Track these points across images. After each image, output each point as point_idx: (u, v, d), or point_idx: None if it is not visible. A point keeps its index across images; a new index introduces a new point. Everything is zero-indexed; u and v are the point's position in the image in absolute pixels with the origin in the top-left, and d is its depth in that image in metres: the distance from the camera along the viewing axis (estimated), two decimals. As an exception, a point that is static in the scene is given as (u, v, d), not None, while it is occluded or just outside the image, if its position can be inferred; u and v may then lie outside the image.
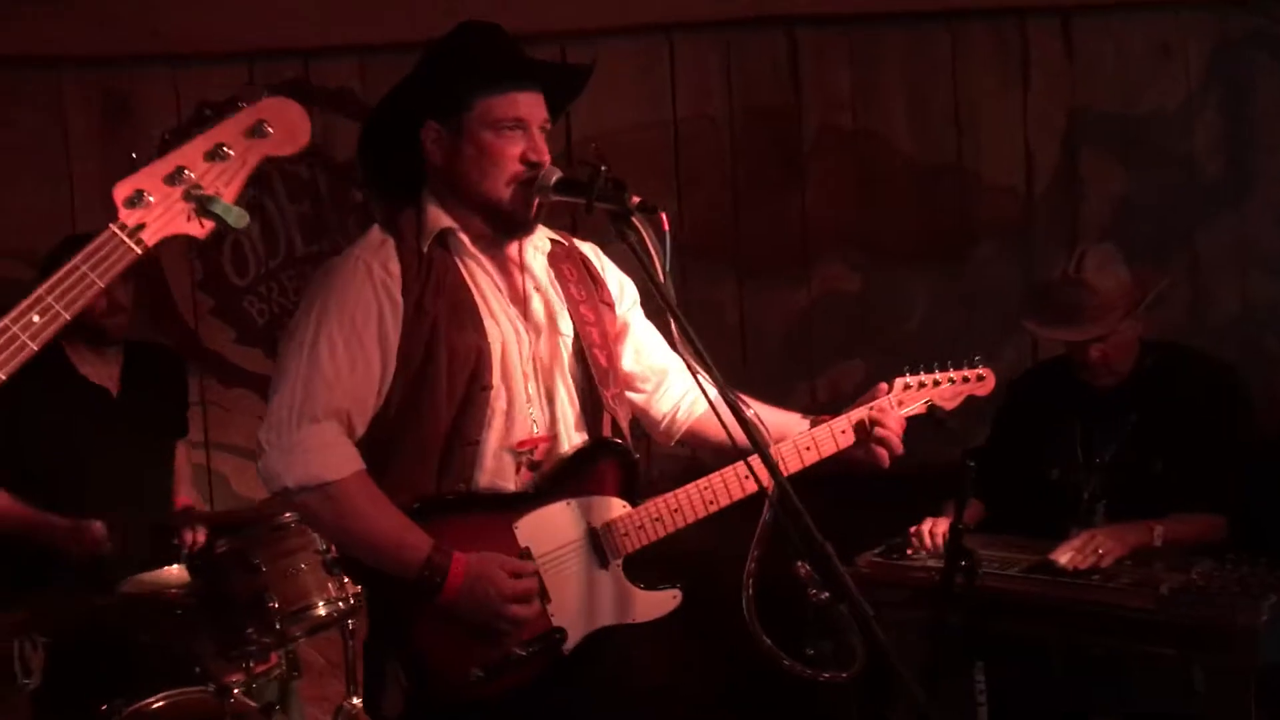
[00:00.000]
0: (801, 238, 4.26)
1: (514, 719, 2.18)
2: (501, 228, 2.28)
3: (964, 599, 2.55)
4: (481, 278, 2.28)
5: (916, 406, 2.47)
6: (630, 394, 2.50)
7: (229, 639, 3.05)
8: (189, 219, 1.55)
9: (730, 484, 2.30)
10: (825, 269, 4.28)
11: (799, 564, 1.88)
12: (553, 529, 2.25)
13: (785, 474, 2.24)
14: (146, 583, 3.33)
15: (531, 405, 2.26)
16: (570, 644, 2.22)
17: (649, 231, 2.08)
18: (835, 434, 2.39)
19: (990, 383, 2.60)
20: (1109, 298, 2.96)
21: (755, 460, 2.11)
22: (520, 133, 2.24)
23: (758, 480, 1.89)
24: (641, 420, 2.54)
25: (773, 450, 2.24)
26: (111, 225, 1.51)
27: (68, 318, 1.48)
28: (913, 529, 3.06)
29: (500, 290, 2.29)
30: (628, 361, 2.49)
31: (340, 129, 4.15)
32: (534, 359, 2.29)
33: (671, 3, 4.17)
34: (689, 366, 2.07)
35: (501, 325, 2.26)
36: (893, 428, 2.39)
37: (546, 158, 2.25)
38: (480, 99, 2.22)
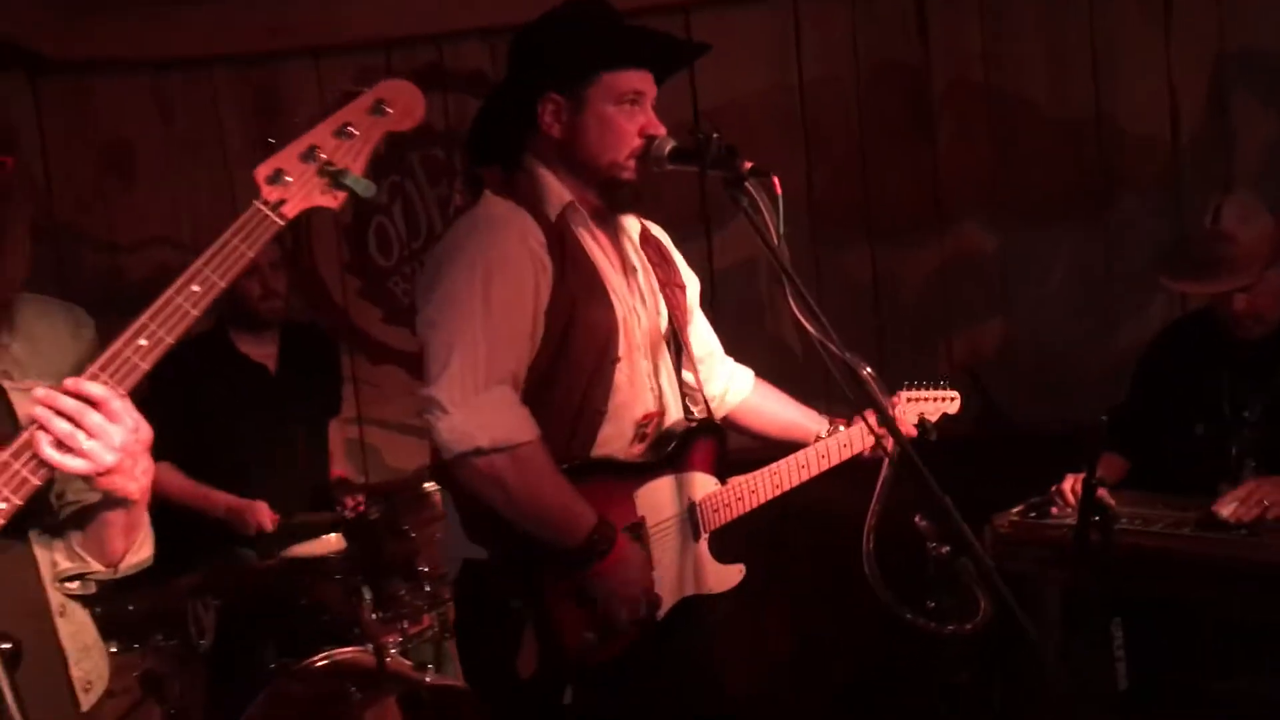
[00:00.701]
0: (934, 196, 4.18)
1: (609, 679, 2.28)
2: (616, 200, 2.35)
3: (1099, 554, 2.50)
4: (598, 251, 2.35)
5: (913, 417, 2.75)
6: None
7: (384, 601, 3.22)
8: (323, 192, 1.68)
9: (792, 471, 2.52)
10: (960, 227, 4.19)
11: (918, 518, 1.89)
12: (662, 501, 2.35)
13: (799, 481, 2.52)
14: (309, 548, 3.53)
15: (649, 378, 2.36)
16: (662, 611, 2.32)
17: (763, 196, 2.11)
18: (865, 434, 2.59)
19: (958, 404, 2.83)
20: (1250, 247, 2.85)
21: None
22: (638, 107, 2.30)
23: (895, 436, 1.95)
24: (699, 398, 2.61)
25: (799, 456, 2.53)
26: (256, 202, 1.65)
27: (223, 285, 1.62)
28: (1055, 487, 3.02)
29: (614, 265, 2.37)
30: (693, 343, 2.57)
31: (474, 111, 4.26)
32: (648, 333, 2.38)
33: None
34: (805, 329, 2.08)
35: (621, 299, 2.34)
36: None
37: (663, 131, 2.31)
38: (603, 72, 2.27)
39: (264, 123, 4.28)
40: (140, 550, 1.83)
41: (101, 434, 1.52)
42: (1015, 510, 3.07)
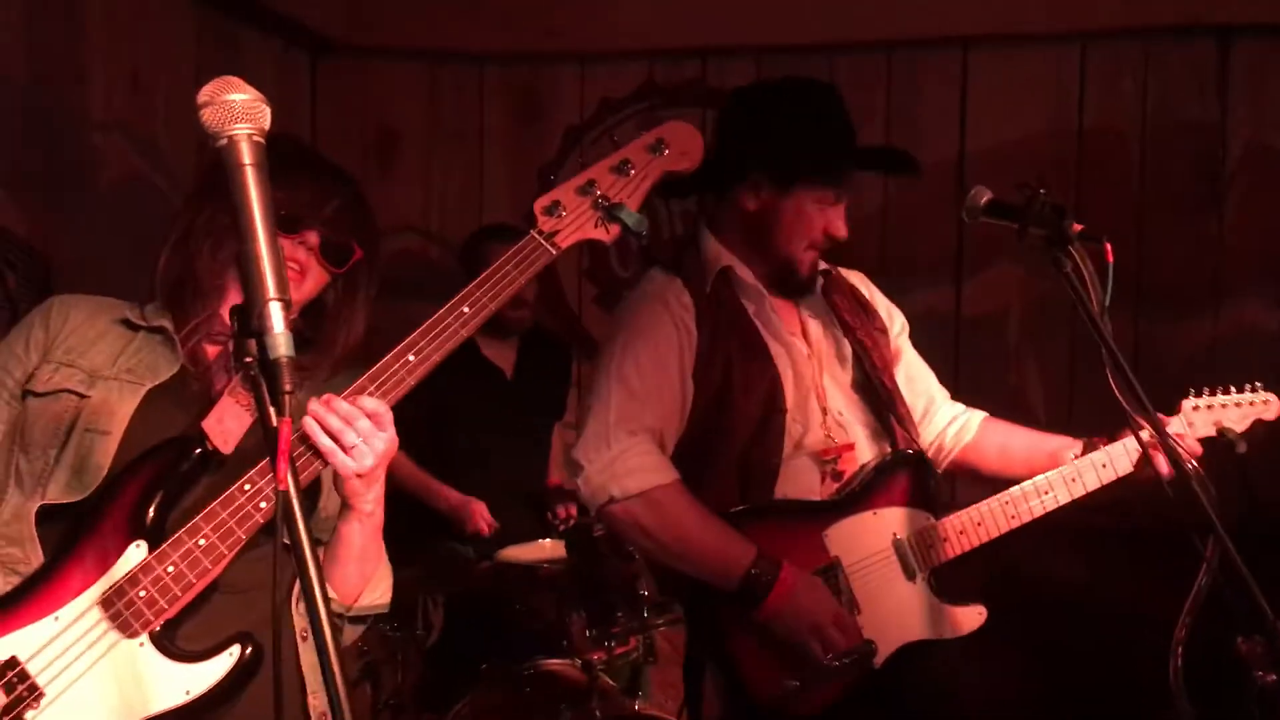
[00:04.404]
0: (1214, 266, 3.90)
1: None
2: (786, 287, 2.35)
3: None
4: (761, 312, 2.33)
5: (1207, 429, 2.38)
6: None
7: (599, 619, 3.16)
8: (596, 225, 1.74)
9: (1032, 497, 2.31)
10: (1239, 302, 3.90)
11: (1240, 639, 1.70)
12: (861, 538, 2.26)
13: (1045, 511, 2.31)
14: (522, 553, 3.52)
15: (827, 423, 2.30)
16: (881, 657, 2.21)
17: (1087, 263, 1.97)
18: (1129, 450, 2.31)
19: (1276, 406, 2.47)
20: None
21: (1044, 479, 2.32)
22: (833, 208, 2.30)
23: (1217, 538, 1.73)
24: None
25: (1042, 481, 2.31)
26: (532, 231, 1.71)
27: (492, 309, 1.67)
28: None
29: (780, 320, 2.34)
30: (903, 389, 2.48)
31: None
32: (820, 382, 2.33)
33: (1087, 7, 3.93)
34: (1124, 408, 1.92)
35: (790, 351, 2.32)
36: (1185, 451, 2.24)
37: (844, 234, 2.31)
38: (819, 177, 2.28)
39: (522, 123, 4.32)
40: (377, 592, 1.80)
41: (368, 438, 1.58)
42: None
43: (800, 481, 2.28)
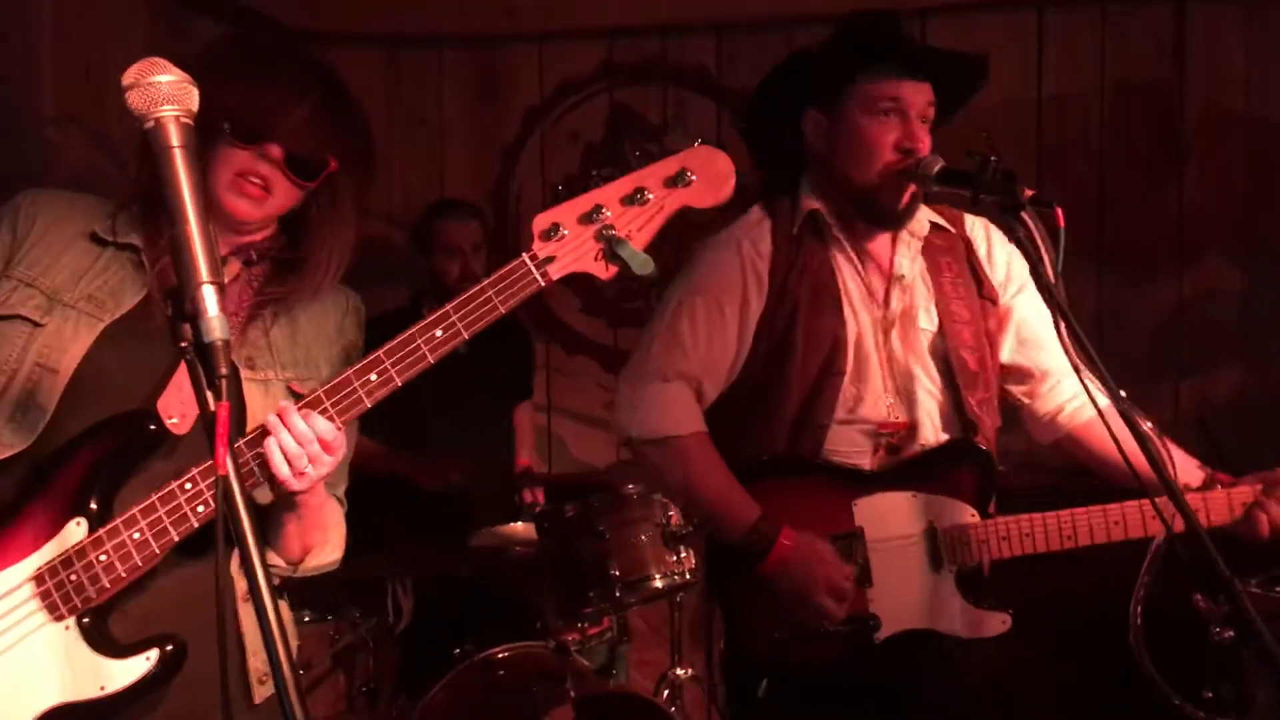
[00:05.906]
0: (1176, 228, 3.91)
1: (818, 695, 2.18)
2: (869, 216, 2.26)
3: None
4: (845, 266, 2.28)
5: None
6: (1011, 387, 2.41)
7: (571, 600, 3.15)
8: (596, 259, 1.58)
9: (1096, 526, 2.16)
10: (1202, 263, 3.91)
11: (1197, 597, 1.70)
12: (892, 516, 2.23)
13: (1108, 539, 2.14)
14: (495, 536, 3.51)
15: (888, 395, 2.25)
16: (883, 635, 2.19)
17: (1040, 227, 1.97)
18: (1234, 504, 2.13)
19: None
20: None
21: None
22: (897, 119, 2.19)
23: (1162, 519, 1.69)
24: (1021, 415, 2.45)
25: (1121, 507, 2.14)
26: (524, 254, 1.57)
27: (466, 336, 1.56)
28: None
29: (861, 280, 2.28)
30: (1007, 353, 2.39)
31: (693, 106, 4.19)
32: (890, 351, 2.26)
33: (1045, -25, 3.93)
34: (1077, 372, 1.93)
35: (860, 315, 2.26)
36: None
37: (923, 146, 2.19)
38: (860, 84, 2.20)
39: (481, 105, 4.29)
40: (325, 554, 1.77)
41: (317, 463, 1.54)
42: (1255, 581, 2.80)
43: (850, 448, 2.24)
